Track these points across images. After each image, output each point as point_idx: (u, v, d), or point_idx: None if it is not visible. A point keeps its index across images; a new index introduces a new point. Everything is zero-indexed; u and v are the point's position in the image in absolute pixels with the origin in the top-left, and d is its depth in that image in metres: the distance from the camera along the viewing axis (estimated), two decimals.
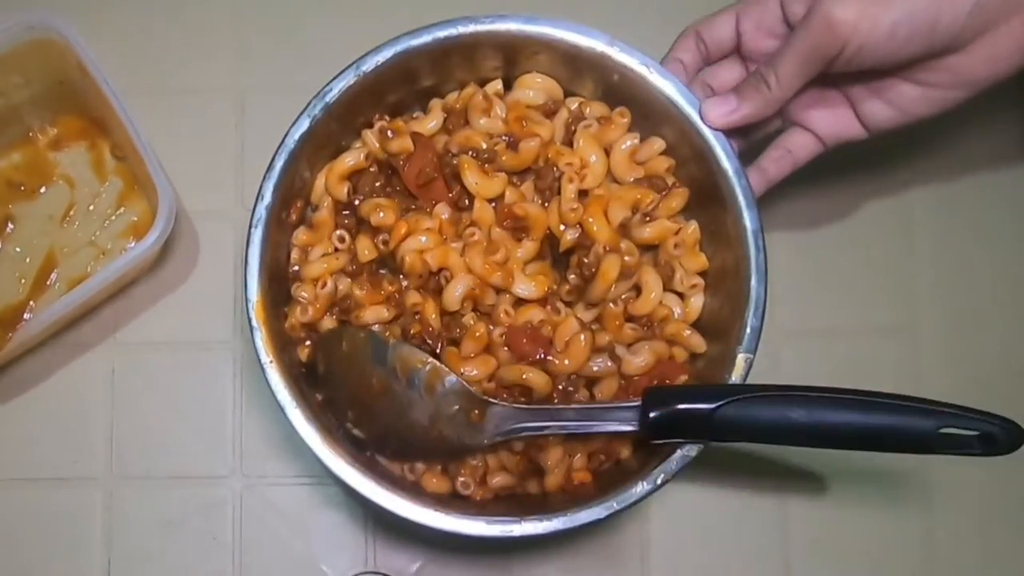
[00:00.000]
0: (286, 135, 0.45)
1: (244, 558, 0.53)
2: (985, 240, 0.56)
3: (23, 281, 0.54)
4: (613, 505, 0.42)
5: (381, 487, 0.42)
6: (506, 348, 0.44)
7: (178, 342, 0.55)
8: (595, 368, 0.45)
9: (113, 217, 0.55)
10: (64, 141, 0.55)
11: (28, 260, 0.54)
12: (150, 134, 0.49)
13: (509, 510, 0.43)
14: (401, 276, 0.45)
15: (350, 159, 0.47)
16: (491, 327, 0.45)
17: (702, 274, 0.46)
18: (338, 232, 0.47)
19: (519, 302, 0.45)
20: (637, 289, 0.45)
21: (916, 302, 0.55)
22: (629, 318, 0.45)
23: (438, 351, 0.45)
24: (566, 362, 0.44)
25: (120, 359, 0.54)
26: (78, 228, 0.55)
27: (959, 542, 0.53)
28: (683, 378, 0.45)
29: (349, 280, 0.46)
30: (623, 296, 0.45)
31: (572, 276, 0.45)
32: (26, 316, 0.53)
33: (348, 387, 0.45)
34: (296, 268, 0.47)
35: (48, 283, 0.54)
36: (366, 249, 0.46)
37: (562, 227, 0.45)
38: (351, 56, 0.56)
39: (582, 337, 0.44)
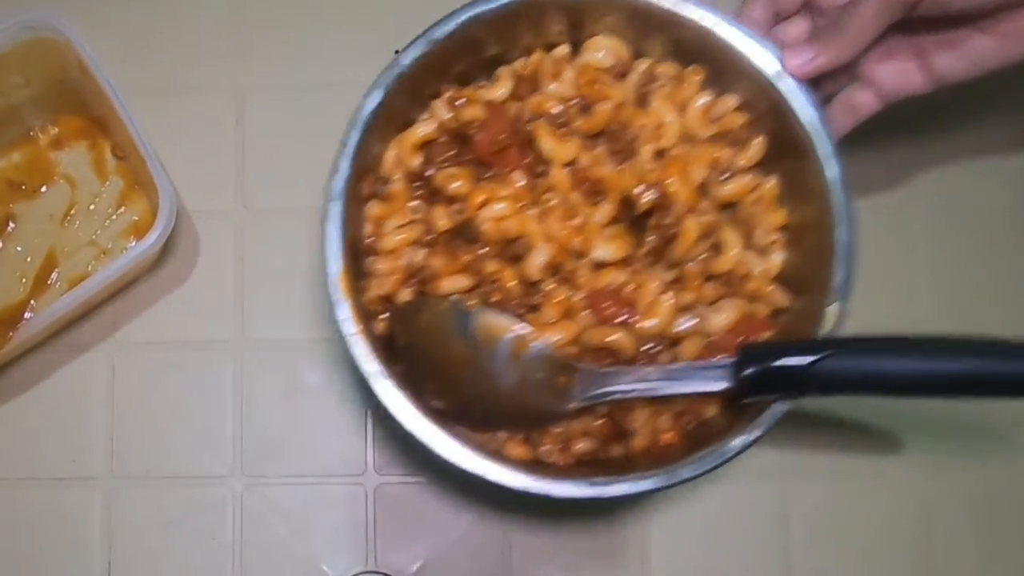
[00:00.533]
0: (360, 108, 0.44)
1: (244, 558, 0.53)
2: (986, 239, 0.56)
3: (24, 280, 0.54)
4: (710, 462, 0.41)
5: (475, 455, 0.42)
6: (588, 312, 0.44)
7: (178, 342, 0.55)
8: (679, 328, 0.44)
9: (114, 216, 0.55)
10: (65, 140, 0.55)
11: (29, 259, 0.54)
12: (150, 134, 0.49)
13: (592, 475, 0.43)
14: (478, 244, 0.45)
15: (421, 130, 0.47)
16: (571, 292, 0.44)
17: (782, 229, 0.46)
18: (413, 203, 0.46)
19: (598, 266, 0.45)
20: (716, 247, 0.45)
21: (916, 298, 0.56)
22: (709, 276, 0.45)
23: (522, 318, 0.44)
24: (650, 323, 0.44)
25: (120, 359, 0.54)
26: (79, 227, 0.55)
27: (959, 532, 0.53)
28: (767, 334, 0.45)
29: (425, 251, 0.46)
30: (703, 255, 0.45)
31: (650, 238, 0.45)
32: (27, 315, 0.53)
33: (428, 359, 0.44)
34: (371, 241, 0.46)
35: (49, 282, 0.54)
36: (442, 219, 0.45)
37: (638, 189, 0.45)
38: (351, 56, 0.57)
39: (665, 297, 0.44)
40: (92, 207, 0.55)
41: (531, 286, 0.44)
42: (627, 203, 0.45)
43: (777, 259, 0.46)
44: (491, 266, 0.45)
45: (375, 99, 0.44)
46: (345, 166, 0.44)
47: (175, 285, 0.55)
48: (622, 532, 0.53)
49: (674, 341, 0.45)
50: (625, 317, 0.44)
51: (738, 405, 0.43)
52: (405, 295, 0.46)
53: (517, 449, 0.45)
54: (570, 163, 0.45)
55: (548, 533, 0.53)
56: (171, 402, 0.54)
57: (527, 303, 0.44)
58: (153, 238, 0.48)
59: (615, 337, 0.43)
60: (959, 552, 0.53)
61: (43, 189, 0.55)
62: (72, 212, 0.55)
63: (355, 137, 0.44)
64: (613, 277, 0.44)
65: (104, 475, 0.53)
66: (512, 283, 0.44)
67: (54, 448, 0.54)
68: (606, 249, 0.44)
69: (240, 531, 0.53)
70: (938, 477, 0.54)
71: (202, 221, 0.56)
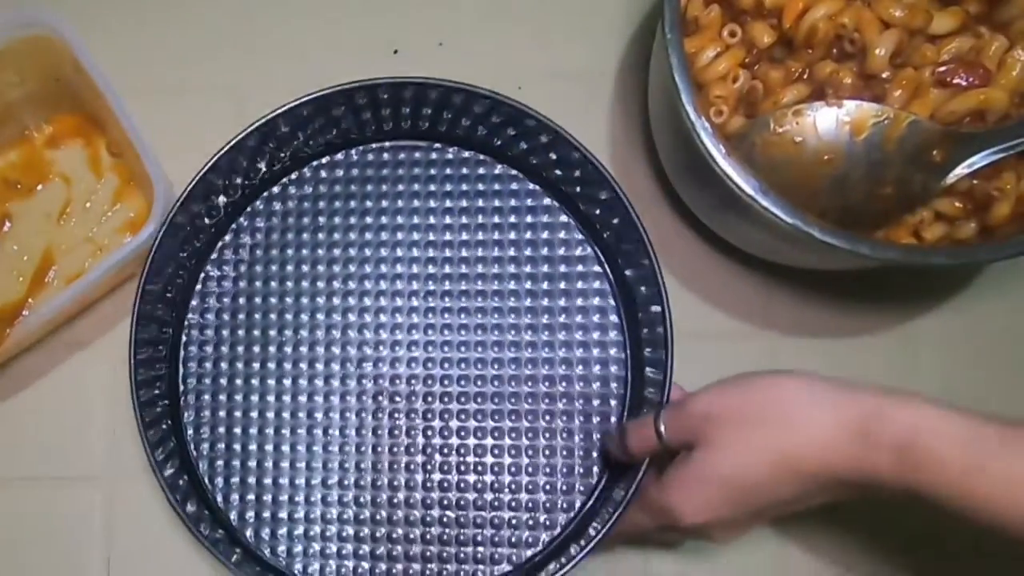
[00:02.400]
0: None
1: None
2: None
3: (21, 279, 0.54)
4: None
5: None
6: (937, 87, 0.45)
7: None
8: None
9: (110, 213, 0.55)
10: (60, 139, 0.55)
11: (26, 258, 0.54)
12: (149, 134, 0.49)
13: None
14: (804, 51, 0.46)
15: None
16: (915, 72, 0.45)
17: None
18: (728, 27, 0.47)
19: (933, 40, 0.45)
20: None
21: None
22: None
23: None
24: (1009, 76, 0.44)
25: (120, 356, 0.54)
26: (75, 225, 0.55)
27: None
28: None
29: (746, 74, 0.47)
30: None
31: (971, 9, 0.46)
32: (24, 313, 0.53)
33: (784, 175, 0.45)
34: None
35: (46, 280, 0.54)
36: (764, 35, 0.46)
37: None
38: (351, 56, 0.56)
39: (1018, 51, 0.44)
40: (88, 205, 0.55)
41: (869, 79, 0.45)
42: None
43: None
44: (827, 67, 0.45)
45: None
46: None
47: None
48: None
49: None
50: (980, 81, 0.44)
51: None
52: (736, 123, 0.46)
53: None
54: None
55: None
56: None
57: (869, 96, 0.45)
58: (147, 233, 0.48)
59: (986, 95, 0.44)
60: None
61: (39, 187, 0.55)
62: (68, 210, 0.55)
63: None
64: (959, 44, 0.45)
65: (104, 474, 0.53)
66: (849, 80, 0.45)
67: (53, 447, 0.54)
68: (942, 20, 0.45)
69: None
70: None
71: None
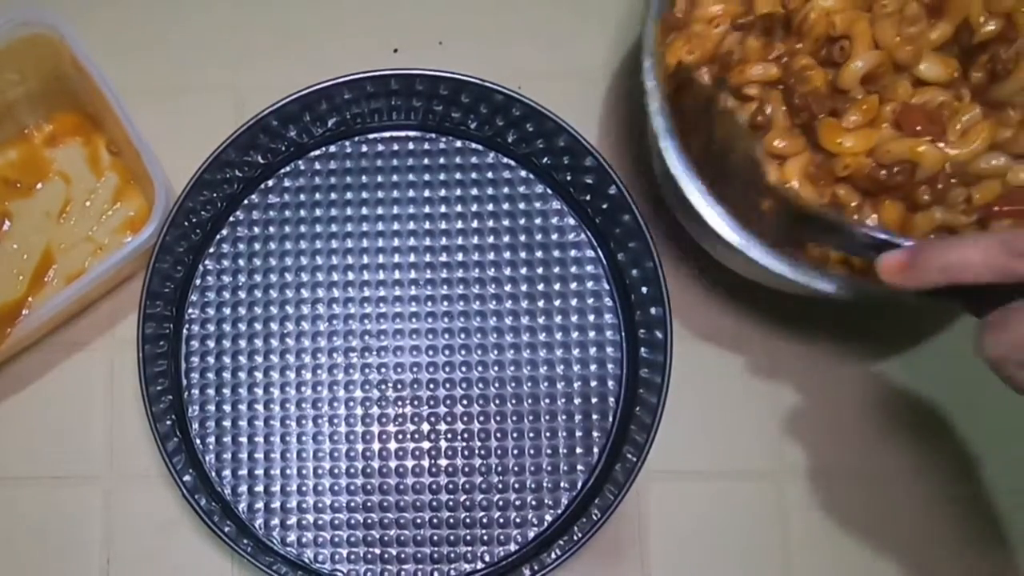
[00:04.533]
0: None
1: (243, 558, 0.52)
2: None
3: (20, 278, 0.54)
4: None
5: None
6: (892, 126, 0.44)
7: None
8: (986, 165, 0.42)
9: (110, 213, 0.55)
10: (59, 138, 0.55)
11: (25, 257, 0.54)
12: (149, 134, 0.49)
13: None
14: (793, 39, 0.45)
15: None
16: (881, 102, 0.44)
17: None
18: None
19: (916, 83, 0.44)
20: None
21: None
22: None
23: (817, 120, 0.44)
24: (959, 150, 0.42)
25: (119, 356, 0.54)
26: (75, 224, 0.55)
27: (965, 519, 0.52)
28: None
29: (736, 35, 0.46)
30: None
31: (977, 74, 0.43)
32: (24, 313, 0.53)
33: (702, 135, 0.46)
34: (682, 16, 0.46)
35: (46, 279, 0.54)
36: (765, 5, 0.46)
37: (983, 16, 0.43)
38: (351, 55, 0.57)
39: (982, 126, 0.42)
40: (88, 204, 0.55)
41: (836, 93, 0.44)
42: (965, 29, 0.43)
43: None
44: (804, 60, 0.44)
45: None
46: None
47: None
48: (620, 527, 0.52)
49: (971, 180, 0.43)
50: (933, 139, 0.42)
51: None
52: (703, 76, 0.46)
53: None
54: None
55: None
56: None
57: (830, 106, 0.44)
58: (148, 232, 0.48)
59: (923, 149, 0.42)
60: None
61: (38, 186, 0.55)
62: (68, 209, 0.55)
63: None
64: (932, 95, 0.43)
65: (104, 474, 0.53)
66: (820, 83, 0.44)
67: (53, 447, 0.53)
68: (934, 66, 0.43)
69: None
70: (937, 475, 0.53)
71: None
